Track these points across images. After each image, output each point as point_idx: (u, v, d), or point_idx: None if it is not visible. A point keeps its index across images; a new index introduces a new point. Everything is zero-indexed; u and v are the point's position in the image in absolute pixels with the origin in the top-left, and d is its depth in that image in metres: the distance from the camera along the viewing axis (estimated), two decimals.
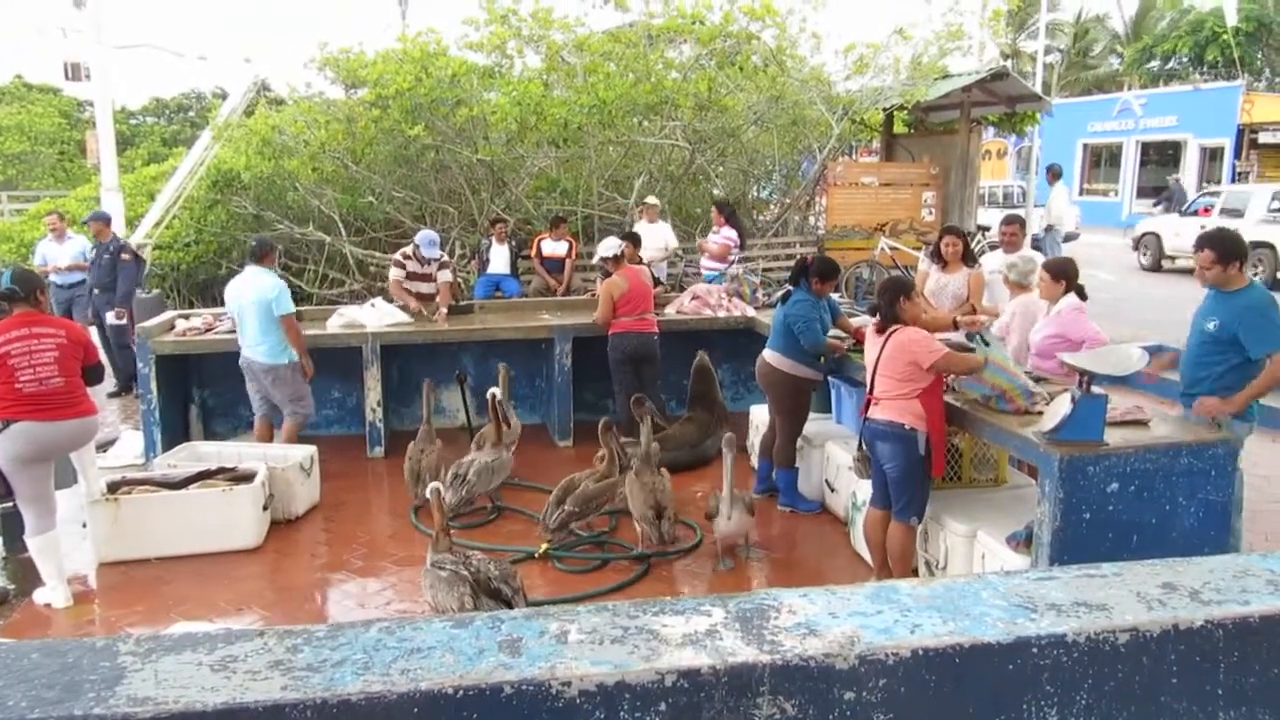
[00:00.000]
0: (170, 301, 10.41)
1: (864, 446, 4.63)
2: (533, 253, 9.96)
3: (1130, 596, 1.69)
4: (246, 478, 5.41)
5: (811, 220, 13.81)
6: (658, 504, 5.04)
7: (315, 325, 7.02)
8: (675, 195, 12.23)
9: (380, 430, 6.99)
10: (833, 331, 5.71)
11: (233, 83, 16.71)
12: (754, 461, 6.26)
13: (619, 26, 12.53)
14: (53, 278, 8.91)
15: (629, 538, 5.35)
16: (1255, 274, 13.95)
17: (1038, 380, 4.67)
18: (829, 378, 5.91)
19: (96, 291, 8.60)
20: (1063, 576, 1.79)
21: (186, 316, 7.20)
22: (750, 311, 7.63)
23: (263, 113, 12.13)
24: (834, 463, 5.66)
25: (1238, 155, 25.15)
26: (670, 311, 7.68)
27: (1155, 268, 17.89)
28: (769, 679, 1.46)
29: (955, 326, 5.40)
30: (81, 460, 5.22)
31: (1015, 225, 6.35)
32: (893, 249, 12.07)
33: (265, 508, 5.43)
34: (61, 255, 9.20)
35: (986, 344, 4.42)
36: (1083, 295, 5.09)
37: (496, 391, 5.90)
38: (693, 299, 7.79)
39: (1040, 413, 4.17)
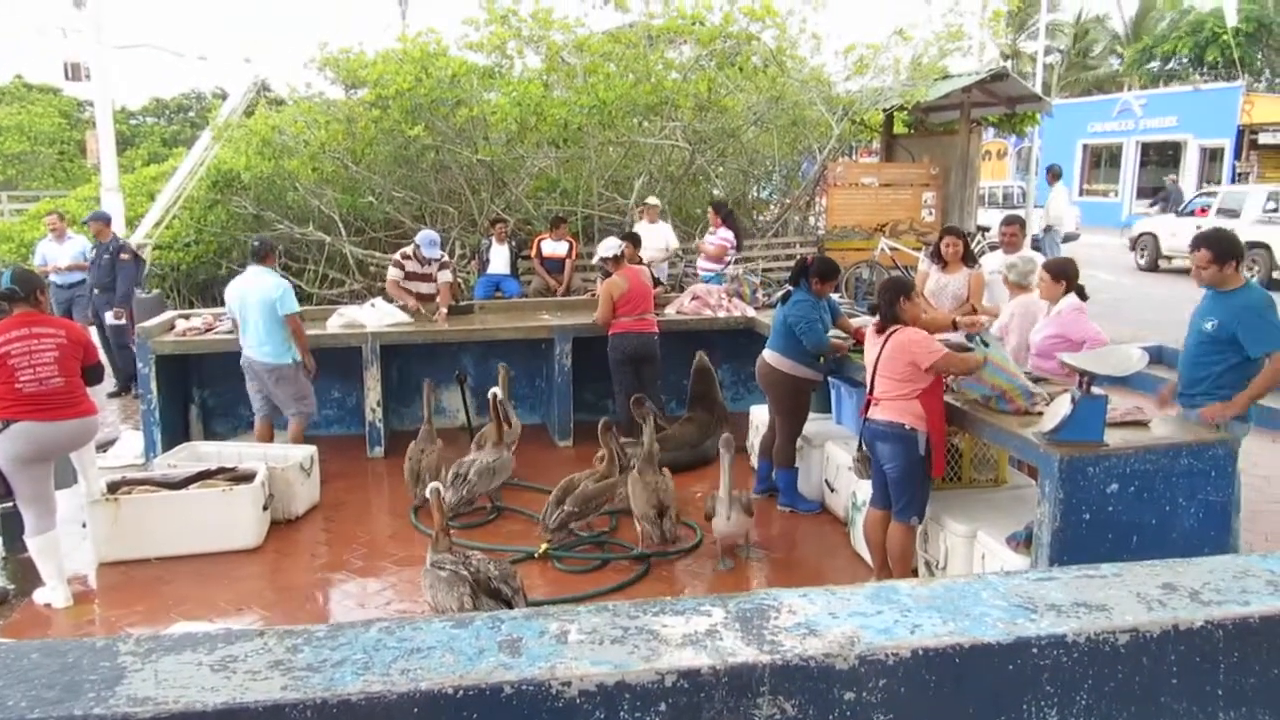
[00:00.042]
0: (170, 301, 10.41)
1: (864, 447, 4.63)
2: (533, 253, 9.96)
3: (1130, 597, 1.69)
4: (246, 478, 5.41)
5: (811, 221, 13.82)
6: (660, 503, 5.04)
7: (315, 325, 7.01)
8: (675, 196, 12.23)
9: (380, 430, 6.99)
10: (833, 332, 5.71)
11: (233, 83, 16.73)
12: (754, 461, 6.26)
13: (619, 27, 12.53)
14: (53, 278, 8.91)
15: (629, 538, 5.35)
16: (1251, 274, 13.95)
17: (1037, 380, 4.67)
18: (829, 378, 5.91)
19: (96, 291, 8.60)
20: (1063, 577, 1.79)
21: (186, 316, 7.21)
22: (750, 312, 7.63)
23: (263, 113, 12.13)
24: (834, 463, 5.66)
25: (1238, 156, 25.16)
26: (670, 312, 7.68)
27: (1152, 268, 17.97)
28: (769, 679, 1.46)
29: (955, 327, 5.40)
30: (81, 460, 5.22)
31: (1015, 226, 6.35)
32: (893, 249, 12.07)
33: (265, 508, 5.43)
34: (61, 255, 9.20)
35: (986, 345, 4.42)
36: (1083, 295, 5.09)
37: (498, 391, 5.90)
38: (693, 299, 7.79)
39: (1040, 413, 4.17)
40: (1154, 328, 10.57)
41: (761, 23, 12.23)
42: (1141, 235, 18.56)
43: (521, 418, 6.79)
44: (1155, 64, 32.99)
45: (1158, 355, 8.25)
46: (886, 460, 4.45)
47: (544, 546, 5.16)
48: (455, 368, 7.27)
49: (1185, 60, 31.62)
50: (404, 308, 7.32)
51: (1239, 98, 24.90)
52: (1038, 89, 16.70)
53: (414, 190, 11.76)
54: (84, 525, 5.30)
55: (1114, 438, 3.93)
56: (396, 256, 7.81)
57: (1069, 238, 15.63)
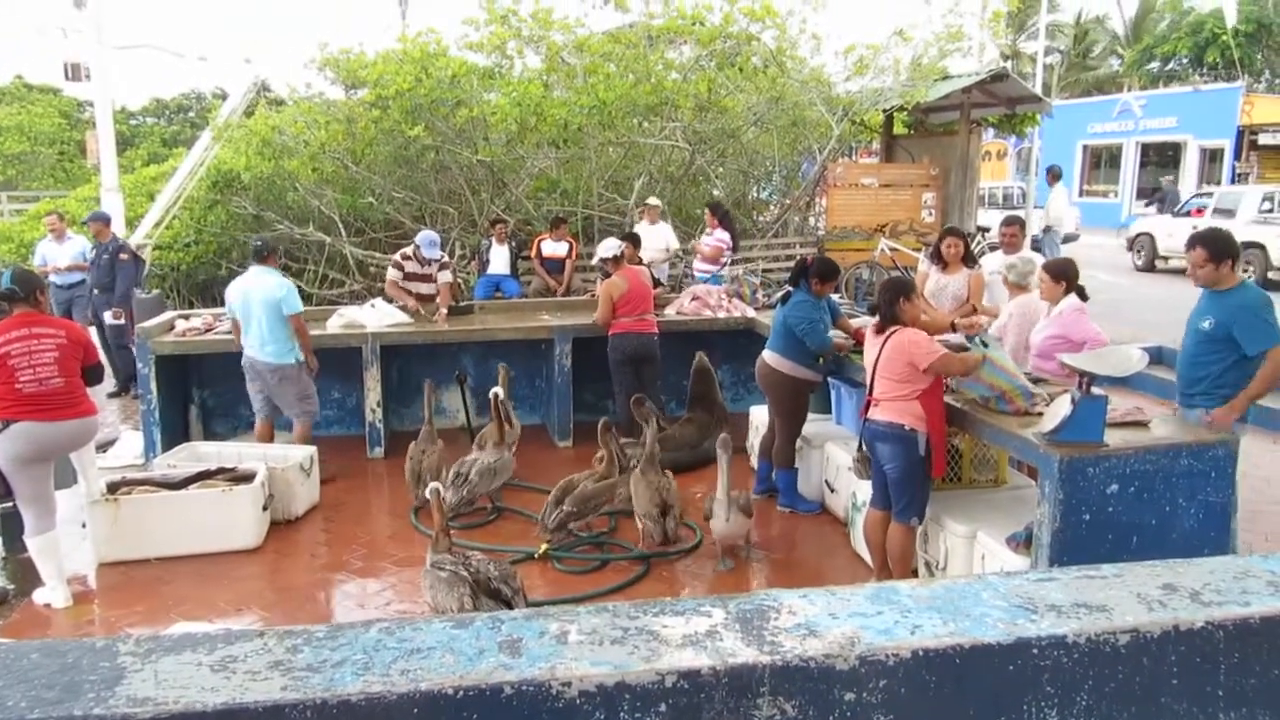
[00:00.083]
0: (170, 302, 10.41)
1: (864, 447, 4.63)
2: (533, 253, 9.96)
3: (1130, 597, 1.69)
4: (246, 478, 5.41)
5: (811, 221, 13.82)
6: (664, 501, 5.05)
7: (315, 325, 7.00)
8: (675, 196, 12.23)
9: (380, 431, 6.99)
10: (833, 332, 5.71)
11: (233, 83, 16.72)
12: (753, 462, 6.26)
13: (619, 27, 12.54)
14: (52, 278, 8.91)
15: (629, 538, 5.35)
16: (1246, 274, 13.99)
17: (1037, 381, 4.67)
18: (829, 379, 5.91)
19: (96, 292, 8.60)
20: (1063, 577, 1.79)
21: (186, 317, 7.20)
22: (750, 312, 7.63)
23: (263, 113, 12.13)
24: (834, 463, 5.66)
25: (1238, 156, 25.16)
26: (670, 312, 7.68)
27: (1149, 268, 18.04)
28: (769, 680, 1.46)
29: (954, 328, 5.40)
30: (81, 460, 5.22)
31: (1015, 226, 6.35)
32: (892, 250, 12.07)
33: (265, 508, 5.43)
34: (61, 255, 9.20)
35: (985, 345, 4.42)
36: (1084, 296, 5.09)
37: (499, 391, 5.90)
38: (693, 300, 7.80)
39: (1040, 414, 4.17)
40: (1153, 328, 10.57)
41: (761, 23, 12.23)
42: (1138, 235, 18.67)
43: (521, 418, 6.79)
44: (1155, 65, 33.01)
45: (1157, 356, 8.26)
46: (886, 461, 4.45)
47: (544, 547, 5.16)
48: (455, 368, 7.27)
49: (1185, 61, 31.64)
50: (403, 308, 7.32)
51: (1239, 98, 24.91)
52: (1038, 90, 16.71)
53: (414, 191, 11.76)
54: (84, 525, 5.30)
55: (1114, 438, 3.93)
56: (396, 257, 7.81)
57: (1069, 238, 15.66)
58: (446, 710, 1.36)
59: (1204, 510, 3.96)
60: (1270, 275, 15.25)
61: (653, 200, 10.15)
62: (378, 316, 7.10)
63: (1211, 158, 26.10)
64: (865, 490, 4.85)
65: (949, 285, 6.30)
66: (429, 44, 11.46)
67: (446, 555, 4.03)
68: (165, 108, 34.31)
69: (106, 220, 8.93)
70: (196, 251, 11.53)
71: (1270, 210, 16.53)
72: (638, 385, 6.55)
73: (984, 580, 1.79)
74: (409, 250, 7.73)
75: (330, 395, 7.40)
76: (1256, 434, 6.84)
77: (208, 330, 6.82)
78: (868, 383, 4.59)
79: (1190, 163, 26.25)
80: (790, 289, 5.65)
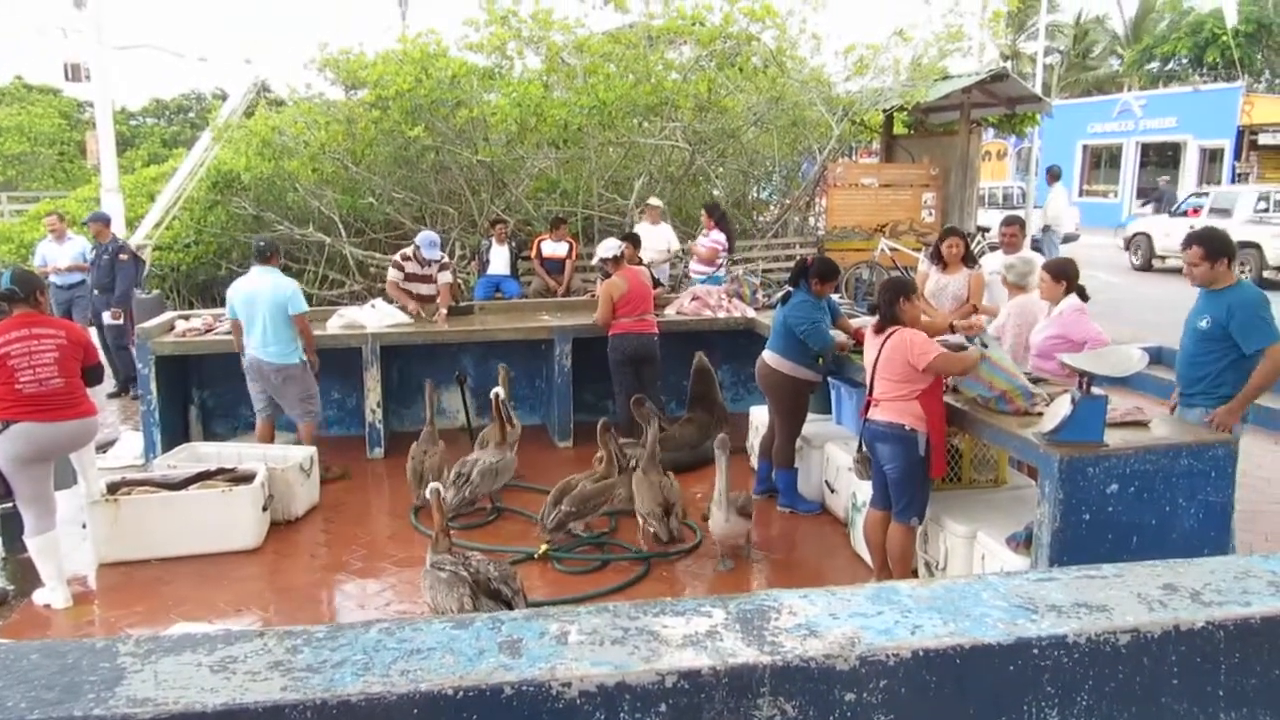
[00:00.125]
0: (170, 302, 10.42)
1: (864, 447, 4.63)
2: (533, 254, 9.97)
3: (1131, 597, 1.69)
4: (246, 478, 5.41)
5: (811, 221, 13.82)
6: (666, 500, 5.05)
7: (315, 326, 6.98)
8: (675, 196, 12.23)
9: (380, 431, 6.98)
10: (834, 332, 5.71)
11: (233, 84, 16.71)
12: (753, 462, 6.26)
13: (619, 28, 12.54)
14: (52, 278, 8.91)
15: (629, 538, 5.35)
16: (1242, 273, 14.03)
17: (1037, 381, 4.67)
18: (829, 379, 5.91)
19: (96, 292, 8.60)
20: (1063, 577, 1.79)
21: (186, 317, 7.21)
22: (750, 312, 7.63)
23: (263, 114, 12.14)
24: (834, 464, 5.66)
25: (1237, 157, 25.16)
26: (670, 313, 7.68)
27: (1146, 267, 18.12)
28: (769, 680, 1.46)
29: (952, 330, 5.40)
30: (81, 461, 5.22)
31: (1015, 226, 6.35)
32: (892, 250, 12.07)
33: (265, 508, 5.43)
34: (61, 256, 9.20)
35: (984, 345, 4.42)
36: (1084, 296, 5.09)
37: (500, 391, 5.89)
38: (693, 300, 7.80)
39: (1040, 414, 4.17)
40: (1153, 328, 10.57)
41: (761, 23, 12.23)
42: (1135, 235, 18.78)
43: (521, 418, 6.79)
44: (1155, 65, 33.01)
45: (1157, 356, 8.26)
46: (886, 461, 4.45)
47: (544, 547, 5.16)
48: (455, 369, 7.27)
49: (1185, 61, 31.63)
50: (404, 309, 7.32)
51: (1239, 98, 24.91)
52: (1037, 90, 16.71)
53: (414, 191, 11.76)
54: (84, 526, 5.30)
55: (1114, 438, 3.93)
56: (396, 258, 7.80)
57: (1069, 238, 15.67)
58: (446, 711, 1.36)
59: (1204, 510, 3.96)
60: (1266, 274, 15.29)
61: (654, 201, 10.14)
62: (378, 317, 7.10)
63: (1211, 158, 26.10)
64: (865, 490, 4.85)
65: (949, 285, 6.30)
66: (429, 44, 11.46)
67: (446, 555, 4.03)
68: (165, 108, 34.33)
69: (106, 221, 8.93)
70: (196, 252, 11.53)
71: (1266, 210, 16.65)
72: (638, 385, 6.55)
73: (984, 580, 1.79)
74: (409, 251, 7.73)
75: (330, 395, 7.40)
76: (1256, 434, 6.84)
77: (208, 331, 6.82)
78: (867, 383, 4.59)
79: (1190, 163, 26.25)
80: (790, 289, 5.65)
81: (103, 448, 6.58)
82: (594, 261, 8.04)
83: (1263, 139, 25.20)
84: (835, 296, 6.18)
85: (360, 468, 6.80)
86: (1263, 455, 6.65)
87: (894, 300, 4.47)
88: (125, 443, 7.04)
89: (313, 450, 6.02)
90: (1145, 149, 28.05)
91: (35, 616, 4.61)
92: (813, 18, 12.85)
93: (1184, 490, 3.93)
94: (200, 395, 7.35)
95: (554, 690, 1.39)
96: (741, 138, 12.67)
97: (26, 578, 4.83)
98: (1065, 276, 5.07)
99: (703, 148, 12.18)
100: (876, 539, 4.66)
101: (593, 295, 8.16)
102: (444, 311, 7.40)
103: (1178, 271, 13.34)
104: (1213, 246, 4.30)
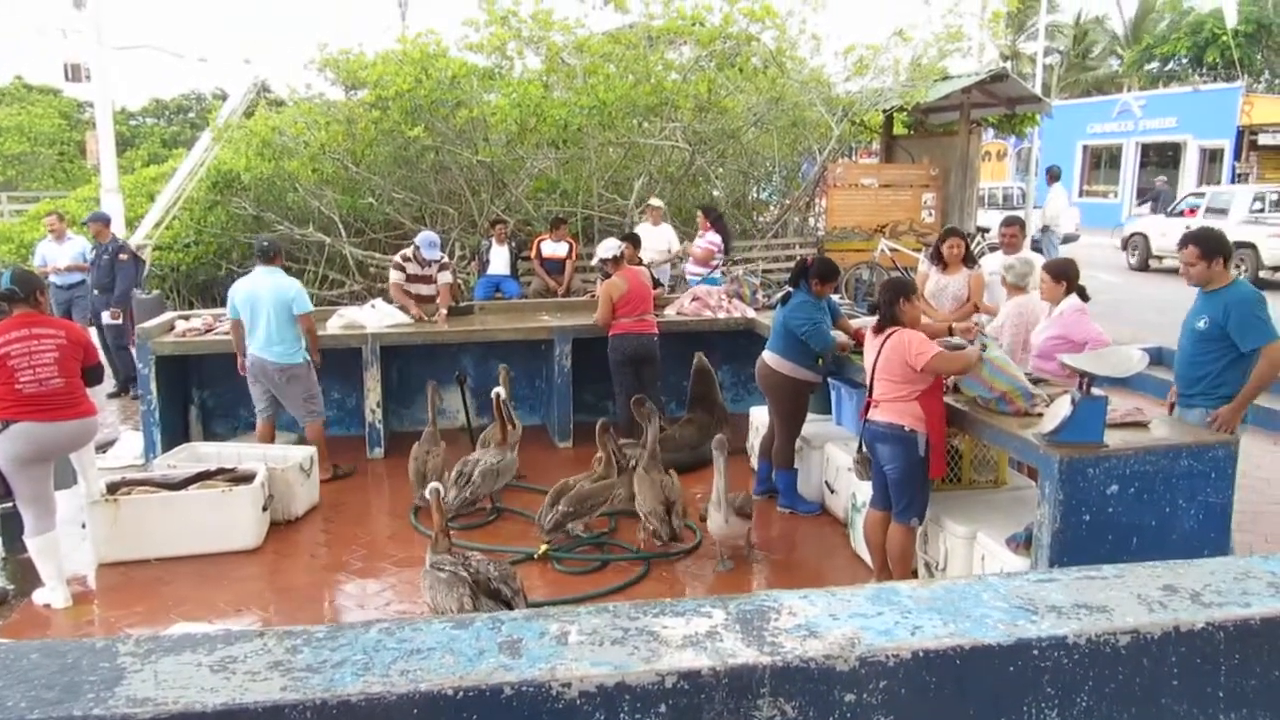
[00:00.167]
0: (170, 302, 10.42)
1: (864, 448, 4.63)
2: (533, 254, 9.97)
3: (1131, 598, 1.69)
4: (246, 478, 5.41)
5: (811, 221, 13.82)
6: (667, 499, 5.05)
7: (316, 326, 7.01)
8: (675, 196, 12.23)
9: (380, 431, 6.98)
10: (834, 332, 5.71)
11: (232, 84, 16.72)
12: (753, 463, 6.26)
13: (619, 28, 12.54)
14: (52, 278, 8.91)
15: (629, 539, 5.35)
16: (1238, 273, 14.05)
17: (1037, 382, 4.67)
18: (829, 379, 5.91)
19: (96, 292, 8.60)
20: (1063, 578, 1.79)
21: (186, 317, 7.21)
22: (750, 313, 7.63)
23: (262, 114, 12.14)
24: (834, 464, 5.66)
25: (1237, 157, 25.15)
26: (670, 313, 7.68)
27: (1143, 267, 18.17)
28: (769, 681, 1.46)
29: (951, 332, 5.40)
30: (81, 461, 5.22)
31: (1015, 227, 6.35)
32: (892, 250, 12.07)
33: (265, 508, 5.43)
34: (61, 256, 9.21)
35: (984, 346, 4.42)
36: (1085, 296, 5.09)
37: (501, 392, 5.89)
38: (693, 300, 7.80)
39: (1040, 414, 4.17)
40: (1153, 328, 10.57)
41: (761, 24, 12.24)
42: (1132, 235, 18.84)
43: (521, 418, 6.78)
44: (1155, 65, 33.01)
45: (1157, 356, 8.26)
46: (886, 461, 4.45)
47: (544, 548, 5.15)
48: (455, 369, 7.27)
49: (1185, 61, 31.63)
50: (404, 309, 7.32)
51: (1239, 98, 24.90)
52: (1037, 90, 16.72)
53: (414, 191, 11.76)
54: (84, 526, 5.30)
55: (1114, 439, 3.93)
56: (397, 259, 7.80)
57: (1069, 239, 15.68)
58: (446, 711, 1.36)
59: (1204, 511, 3.96)
60: (1261, 275, 15.31)
61: (656, 201, 10.14)
62: (378, 317, 7.10)
63: (1211, 158, 26.09)
64: (865, 491, 4.85)
65: (949, 286, 6.30)
66: (429, 45, 11.46)
67: (446, 556, 4.03)
68: (165, 108, 34.33)
69: (106, 221, 8.93)
70: (196, 252, 11.54)
71: (1261, 210, 16.69)
72: (638, 386, 6.55)
73: (984, 581, 1.79)
74: (409, 251, 7.73)
75: (330, 395, 7.39)
76: (1256, 434, 6.85)
77: (208, 331, 6.82)
78: (867, 383, 4.59)
79: (1190, 163, 26.24)
80: (790, 290, 5.65)
81: (103, 448, 6.58)
82: (594, 262, 8.04)
83: (1262, 139, 25.18)
84: (835, 297, 6.17)
85: (360, 468, 6.80)
86: (1262, 456, 6.65)
87: (894, 301, 4.47)
88: (125, 443, 7.04)
89: (313, 450, 6.02)
90: (1145, 149, 28.05)
91: (35, 616, 4.61)
92: (812, 18, 12.90)
93: (1184, 491, 3.93)
94: (200, 395, 7.34)
95: (554, 690, 1.39)
96: (741, 138, 12.67)
97: (26, 578, 4.83)
98: (1066, 277, 5.07)
99: (703, 148, 12.18)
100: (876, 539, 4.66)
101: (593, 295, 8.16)
102: (444, 312, 7.40)
103: (1174, 271, 13.34)
104: (1209, 246, 4.31)
